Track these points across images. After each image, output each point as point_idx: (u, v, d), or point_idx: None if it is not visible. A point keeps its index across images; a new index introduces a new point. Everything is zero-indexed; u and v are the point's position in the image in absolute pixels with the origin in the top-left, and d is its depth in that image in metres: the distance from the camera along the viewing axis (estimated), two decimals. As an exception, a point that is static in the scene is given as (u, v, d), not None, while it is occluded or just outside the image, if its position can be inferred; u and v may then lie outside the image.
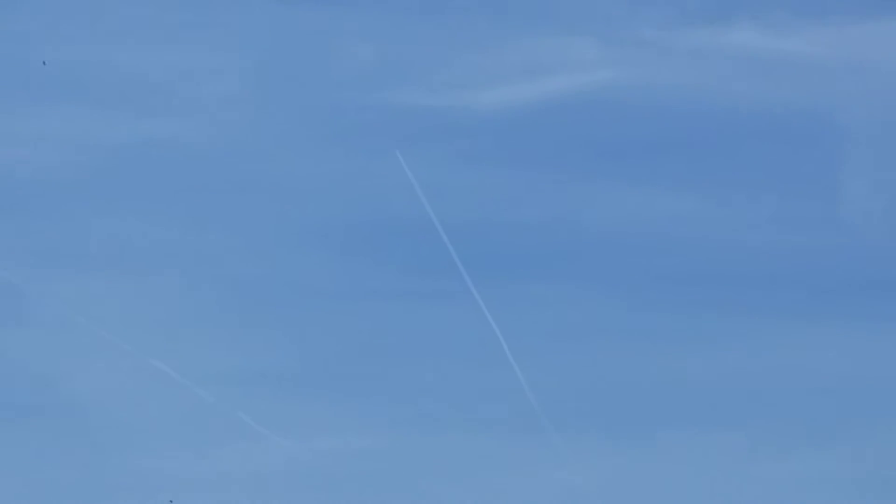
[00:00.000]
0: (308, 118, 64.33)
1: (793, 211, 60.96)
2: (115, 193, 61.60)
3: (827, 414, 53.26)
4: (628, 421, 53.99)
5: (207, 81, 64.22)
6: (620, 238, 60.65)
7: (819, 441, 52.37)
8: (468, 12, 65.02)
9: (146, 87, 63.94)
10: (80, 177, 61.72)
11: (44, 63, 62.36)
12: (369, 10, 65.11)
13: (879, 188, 61.05)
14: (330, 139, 63.96)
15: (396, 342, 57.23)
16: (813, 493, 50.99)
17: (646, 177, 62.32)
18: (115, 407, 54.61)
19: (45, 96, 63.71)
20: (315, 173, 63.48)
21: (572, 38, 64.04)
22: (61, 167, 62.19)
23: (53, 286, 57.14)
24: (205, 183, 62.02)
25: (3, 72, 63.90)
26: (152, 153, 62.57)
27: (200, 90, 64.20)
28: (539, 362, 55.42)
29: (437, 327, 57.57)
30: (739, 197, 61.74)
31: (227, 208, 61.92)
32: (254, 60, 64.96)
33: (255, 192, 61.89)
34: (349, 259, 60.89)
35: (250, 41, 65.47)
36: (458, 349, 56.10)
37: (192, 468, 53.51)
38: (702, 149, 63.29)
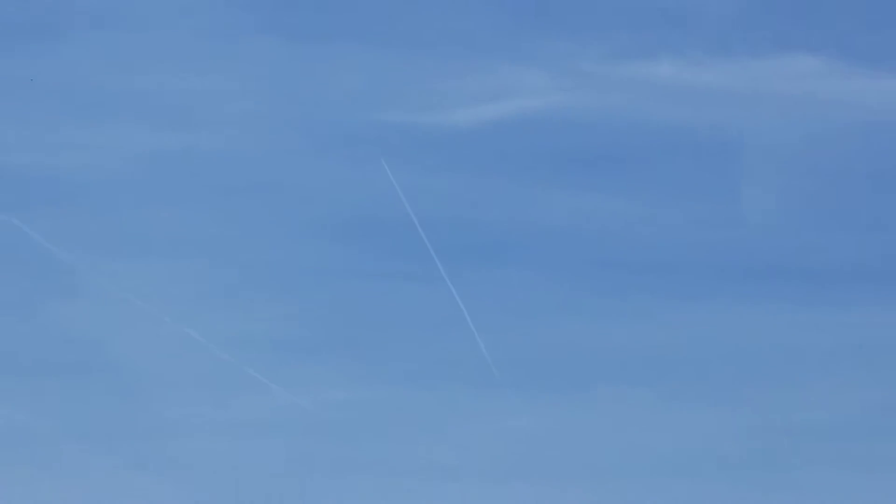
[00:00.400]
0: (309, 132, 69.34)
1: (703, 211, 66.15)
2: (154, 191, 66.41)
3: (724, 375, 59.16)
4: (568, 379, 59.32)
5: (229, 101, 68.43)
6: (564, 232, 65.84)
7: (717, 397, 57.73)
8: (441, 48, 69.21)
9: (180, 105, 68.34)
10: (128, 178, 66.31)
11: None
12: (360, 45, 69.61)
13: (775, 192, 66.29)
14: (327, 149, 68.80)
15: (380, 314, 63.12)
16: (711, 438, 56.57)
17: (585, 182, 67.32)
18: (151, 365, 59.89)
19: (103, 114, 67.94)
20: (315, 177, 68.34)
21: (528, 70, 68.30)
22: (114, 170, 66.78)
23: (103, 266, 62.45)
24: (226, 184, 66.76)
25: (68, 94, 68.20)
26: (185, 159, 67.36)
27: (223, 108, 68.54)
28: (496, 331, 60.28)
29: (414, 303, 63.26)
30: (660, 200, 66.73)
31: (243, 204, 66.64)
32: (266, 85, 69.36)
33: (266, 191, 67.30)
34: (342, 247, 66.22)
35: (263, 69, 69.95)
36: (430, 321, 61.73)
37: (213, 416, 58.70)
38: (630, 160, 68.26)
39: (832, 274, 64.85)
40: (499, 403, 59.23)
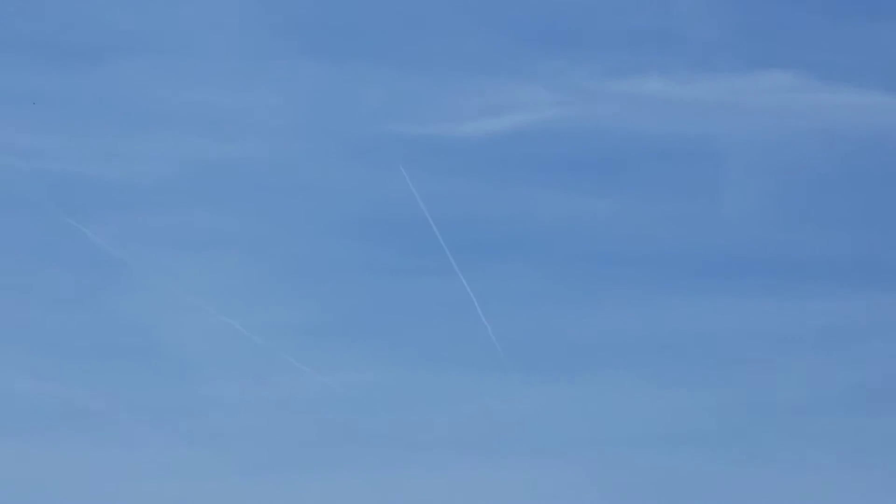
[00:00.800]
0: (335, 142, 71.17)
1: (686, 210, 68.23)
2: (199, 195, 68.49)
3: (704, 359, 62.21)
4: (565, 362, 62.24)
5: (267, 115, 70.67)
6: (562, 230, 67.94)
7: (698, 378, 60.96)
8: (452, 67, 71.18)
9: (224, 118, 70.40)
10: (176, 183, 68.25)
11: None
12: (381, 66, 71.87)
13: (750, 193, 68.73)
14: (351, 157, 70.78)
15: (399, 304, 65.65)
16: (691, 415, 59.49)
17: (580, 186, 69.39)
18: (196, 349, 62.58)
19: (154, 126, 70.19)
20: (342, 181, 70.11)
21: (528, 86, 70.33)
22: (163, 176, 68.75)
23: (152, 262, 65.27)
24: (263, 187, 68.93)
25: (121, 109, 70.16)
26: (226, 166, 69.41)
27: (262, 121, 70.76)
28: (503, 319, 63.22)
29: (430, 294, 65.64)
30: (647, 201, 68.84)
31: (279, 206, 68.94)
32: (301, 100, 71.24)
33: (297, 194, 69.22)
34: (365, 244, 68.35)
35: (299, 87, 71.75)
36: (444, 310, 64.54)
37: (251, 394, 61.41)
38: (621, 166, 70.07)
39: (802, 266, 66.54)
40: (505, 385, 61.77)
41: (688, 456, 60.07)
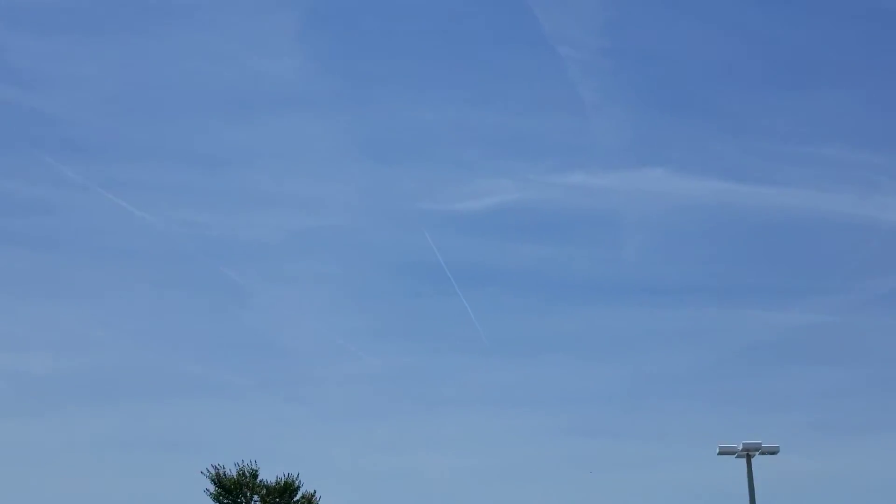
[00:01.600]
0: (386, 214, 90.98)
1: (597, 254, 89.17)
2: (303, 249, 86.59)
3: (611, 346, 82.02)
4: (526, 349, 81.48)
5: (342, 198, 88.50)
6: (523, 267, 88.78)
7: (609, 358, 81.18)
8: (456, 166, 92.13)
9: (316, 200, 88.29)
10: (289, 242, 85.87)
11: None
12: (411, 166, 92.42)
13: (640, 243, 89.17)
14: (397, 225, 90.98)
15: (423, 315, 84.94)
16: (606, 384, 78.33)
17: (533, 240, 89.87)
18: (298, 346, 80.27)
19: (271, 207, 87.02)
20: (389, 240, 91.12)
21: (502, 179, 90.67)
22: (281, 237, 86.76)
23: (266, 289, 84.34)
24: (341, 244, 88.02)
25: (253, 194, 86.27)
26: (320, 231, 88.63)
27: (339, 202, 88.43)
28: (488, 322, 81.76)
29: (442, 309, 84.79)
30: (577, 248, 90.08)
31: (351, 256, 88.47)
32: (362, 188, 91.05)
33: (363, 248, 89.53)
34: (402, 278, 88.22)
35: (360, 179, 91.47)
36: (450, 320, 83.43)
37: (331, 372, 78.89)
38: (559, 228, 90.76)
39: (669, 289, 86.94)
40: (487, 364, 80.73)
41: (602, 410, 78.78)
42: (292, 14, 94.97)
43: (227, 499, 53.38)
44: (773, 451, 43.63)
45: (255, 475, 53.64)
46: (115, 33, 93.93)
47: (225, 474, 53.59)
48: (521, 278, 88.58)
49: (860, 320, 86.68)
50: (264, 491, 53.56)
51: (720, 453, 44.05)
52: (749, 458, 43.79)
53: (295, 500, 54.02)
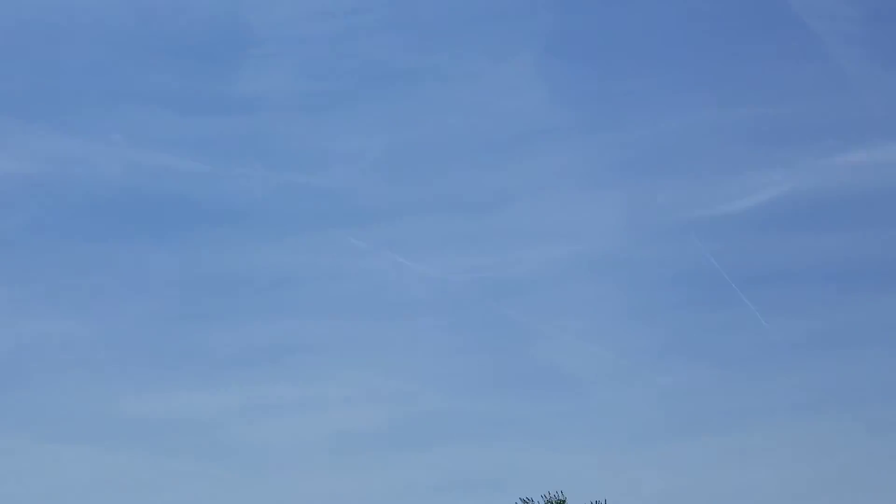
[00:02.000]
0: (651, 234, 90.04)
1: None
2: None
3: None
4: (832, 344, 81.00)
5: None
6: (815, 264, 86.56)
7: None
8: (715, 168, 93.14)
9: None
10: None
11: None
12: (673, 179, 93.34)
13: None
14: (661, 240, 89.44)
15: (707, 329, 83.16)
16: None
17: (816, 229, 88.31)
18: (588, 373, 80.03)
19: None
20: (654, 256, 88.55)
21: (767, 172, 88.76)
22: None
23: (544, 318, 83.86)
24: (613, 273, 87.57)
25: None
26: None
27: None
28: (778, 323, 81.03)
29: (726, 319, 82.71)
30: (867, 232, 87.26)
31: (619, 281, 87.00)
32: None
33: (631, 268, 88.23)
34: (675, 290, 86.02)
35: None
36: (735, 329, 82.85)
37: (619, 396, 77.98)
38: (836, 216, 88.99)
39: None
40: (788, 367, 79.60)
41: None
42: (530, 54, 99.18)
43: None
44: None
45: (563, 504, 55.99)
46: (368, 102, 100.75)
47: (534, 506, 55.39)
48: (809, 272, 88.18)
49: None
50: (574, 519, 55.05)
51: None
52: None
53: (606, 525, 55.20)
